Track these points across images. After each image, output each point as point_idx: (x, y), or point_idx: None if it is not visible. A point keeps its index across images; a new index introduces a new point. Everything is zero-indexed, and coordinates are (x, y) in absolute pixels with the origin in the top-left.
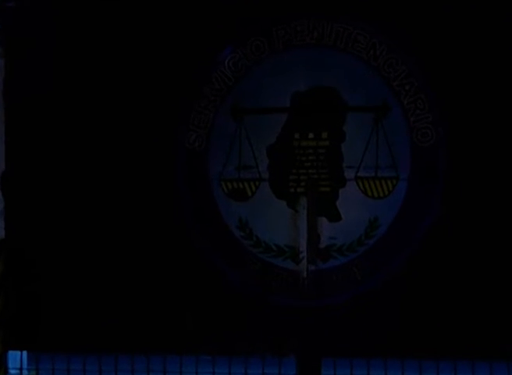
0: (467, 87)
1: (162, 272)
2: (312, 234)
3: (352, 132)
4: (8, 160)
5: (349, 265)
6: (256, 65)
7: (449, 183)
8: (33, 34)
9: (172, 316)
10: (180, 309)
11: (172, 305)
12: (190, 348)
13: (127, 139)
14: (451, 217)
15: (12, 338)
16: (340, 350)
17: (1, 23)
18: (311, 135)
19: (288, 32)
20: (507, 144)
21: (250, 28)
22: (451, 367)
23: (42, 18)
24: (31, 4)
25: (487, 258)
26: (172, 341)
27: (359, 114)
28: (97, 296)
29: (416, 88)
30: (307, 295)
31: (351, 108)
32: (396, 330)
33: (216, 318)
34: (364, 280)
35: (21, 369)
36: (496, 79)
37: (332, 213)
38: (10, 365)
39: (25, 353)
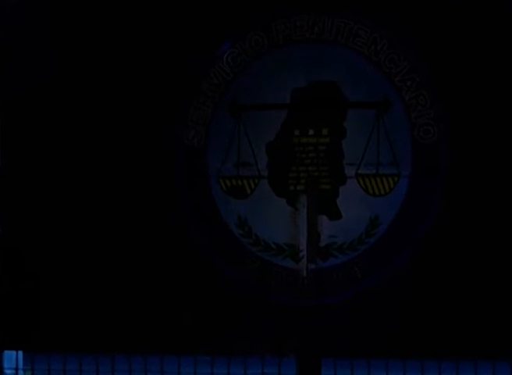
0: (470, 82)
1: (160, 270)
2: (312, 232)
3: (353, 128)
4: (3, 157)
5: (349, 263)
6: (255, 60)
7: (451, 180)
8: (27, 30)
9: (170, 316)
10: (178, 309)
11: (170, 305)
12: (188, 348)
13: (124, 135)
14: (453, 215)
15: (8, 338)
16: (341, 350)
17: None
18: (311, 132)
19: (288, 27)
20: (511, 141)
21: (249, 23)
22: (453, 367)
23: (35, 13)
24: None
25: (490, 257)
26: (169, 341)
27: (360, 110)
28: (93, 295)
29: (418, 84)
30: (307, 294)
31: (352, 104)
32: (398, 329)
33: (215, 318)
34: (364, 278)
35: (16, 369)
36: (499, 75)
37: (333, 211)
38: (5, 365)
39: (20, 353)
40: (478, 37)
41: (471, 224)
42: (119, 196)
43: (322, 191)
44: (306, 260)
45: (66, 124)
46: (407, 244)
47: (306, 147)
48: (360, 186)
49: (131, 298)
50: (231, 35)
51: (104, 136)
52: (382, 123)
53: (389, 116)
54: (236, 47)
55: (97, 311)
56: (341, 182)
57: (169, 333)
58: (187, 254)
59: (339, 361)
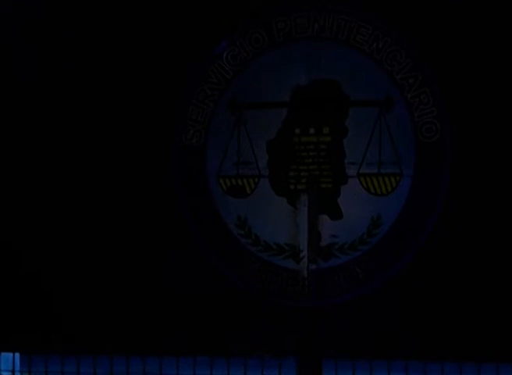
0: (474, 80)
1: (158, 271)
2: (313, 232)
3: (354, 127)
4: None
5: (351, 264)
6: (255, 58)
7: (454, 180)
8: (19, 29)
9: (169, 317)
10: (177, 309)
11: (169, 305)
12: (187, 350)
13: (122, 134)
14: (456, 215)
15: (4, 340)
16: (342, 351)
17: None
18: (311, 130)
19: (288, 24)
20: None
21: (249, 20)
22: (456, 369)
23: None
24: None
25: (494, 258)
26: (168, 343)
27: (361, 108)
28: (91, 296)
29: (420, 82)
30: (307, 295)
31: (353, 103)
32: (400, 331)
33: (214, 319)
34: (366, 279)
35: (13, 371)
36: (503, 72)
37: (334, 211)
38: (2, 367)
39: (17, 355)
40: (482, 34)
41: (474, 224)
42: (117, 196)
43: (323, 190)
44: (307, 260)
45: (61, 121)
46: (409, 245)
47: (307, 146)
48: (361, 185)
49: (129, 299)
50: (231, 33)
51: (102, 135)
52: (383, 121)
53: (391, 114)
54: (235, 45)
55: (95, 312)
56: (342, 181)
57: (168, 335)
58: (186, 254)
59: (341, 362)
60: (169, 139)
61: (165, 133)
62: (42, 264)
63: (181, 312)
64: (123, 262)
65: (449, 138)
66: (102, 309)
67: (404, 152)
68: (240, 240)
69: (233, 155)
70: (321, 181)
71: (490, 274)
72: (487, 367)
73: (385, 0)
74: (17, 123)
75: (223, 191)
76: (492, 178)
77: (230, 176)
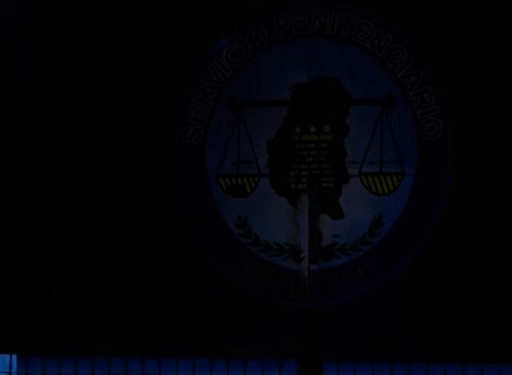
0: (477, 78)
1: (157, 271)
2: (314, 232)
3: (355, 126)
4: None
5: (352, 264)
6: (255, 56)
7: (457, 179)
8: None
9: (168, 318)
10: (176, 311)
11: (168, 306)
12: (187, 351)
13: (121, 133)
14: (459, 214)
15: (1, 341)
16: (343, 353)
17: None
18: (312, 129)
19: (289, 21)
20: None
21: (249, 17)
22: (459, 371)
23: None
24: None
25: (497, 258)
26: (167, 344)
27: (363, 107)
28: (89, 296)
29: (422, 79)
30: (308, 296)
31: (355, 101)
32: (402, 332)
33: (214, 320)
34: (368, 280)
35: (10, 373)
36: (506, 70)
37: (335, 210)
38: None
39: (14, 356)
40: (484, 32)
41: (477, 223)
42: (116, 195)
43: (324, 189)
44: (308, 261)
45: (64, 121)
46: (411, 245)
47: (307, 144)
48: (363, 185)
49: (128, 301)
50: (231, 30)
51: (100, 133)
52: (385, 120)
53: (392, 112)
54: (235, 42)
55: (93, 313)
56: (344, 180)
57: (167, 336)
58: (186, 255)
59: (342, 364)
60: (169, 138)
61: (165, 132)
62: (40, 265)
63: (180, 313)
64: (121, 262)
65: (451, 137)
66: (100, 310)
67: (406, 151)
68: (240, 240)
69: (233, 153)
70: (322, 180)
71: (493, 274)
72: (490, 368)
73: None
74: (17, 122)
75: (223, 191)
76: (495, 177)
77: (230, 176)
